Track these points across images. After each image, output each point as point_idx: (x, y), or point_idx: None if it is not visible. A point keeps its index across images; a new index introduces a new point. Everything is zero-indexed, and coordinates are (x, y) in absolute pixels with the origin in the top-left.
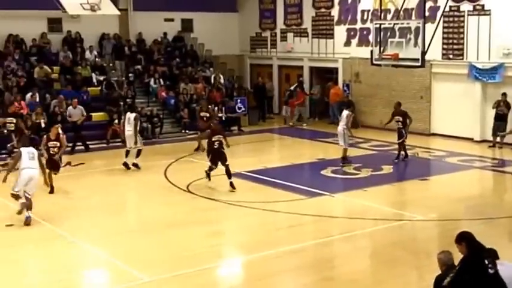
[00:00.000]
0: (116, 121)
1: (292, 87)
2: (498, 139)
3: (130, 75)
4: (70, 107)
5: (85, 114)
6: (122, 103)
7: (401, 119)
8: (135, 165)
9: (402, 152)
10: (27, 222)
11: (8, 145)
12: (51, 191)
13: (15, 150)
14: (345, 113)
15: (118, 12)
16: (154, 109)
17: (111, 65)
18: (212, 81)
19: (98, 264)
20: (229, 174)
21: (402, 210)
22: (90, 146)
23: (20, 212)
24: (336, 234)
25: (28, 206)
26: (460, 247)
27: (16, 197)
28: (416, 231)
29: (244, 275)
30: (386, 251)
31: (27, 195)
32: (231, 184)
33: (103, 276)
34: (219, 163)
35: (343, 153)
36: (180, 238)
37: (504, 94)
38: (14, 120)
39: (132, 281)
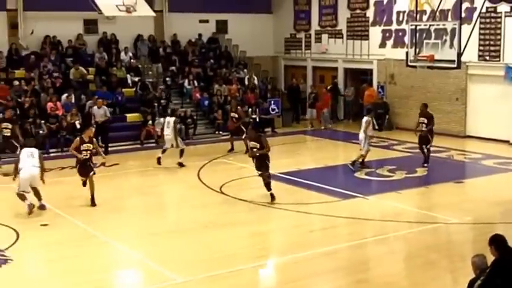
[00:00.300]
0: (150, 122)
1: (328, 87)
2: None
3: (167, 79)
4: (95, 107)
5: (108, 115)
6: (156, 104)
7: (426, 121)
8: (180, 164)
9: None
10: (42, 208)
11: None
12: (93, 203)
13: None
14: (364, 119)
15: (153, 14)
16: (188, 110)
17: (146, 66)
18: (246, 82)
19: (130, 265)
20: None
21: (437, 213)
22: (125, 147)
23: (30, 212)
24: (370, 236)
25: (38, 196)
26: (491, 250)
27: (22, 196)
28: (450, 235)
29: (277, 277)
30: (420, 254)
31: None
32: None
33: (136, 276)
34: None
35: (360, 157)
36: (213, 239)
37: None
38: (10, 126)
39: (165, 281)
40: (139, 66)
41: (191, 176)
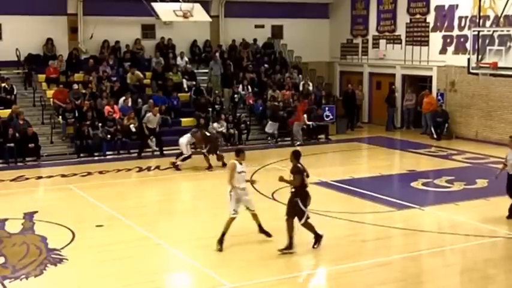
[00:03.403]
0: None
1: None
2: None
3: (235, 95)
4: (150, 114)
5: (160, 123)
6: (210, 109)
7: None
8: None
9: None
10: None
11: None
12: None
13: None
14: None
15: (210, 19)
16: (242, 115)
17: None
18: (300, 88)
19: (181, 268)
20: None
21: (496, 227)
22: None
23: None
24: (425, 248)
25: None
26: None
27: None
28: (510, 250)
29: (328, 286)
30: (477, 268)
31: None
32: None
33: (186, 279)
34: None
35: None
36: (264, 246)
37: None
38: None
39: (214, 286)
40: (195, 71)
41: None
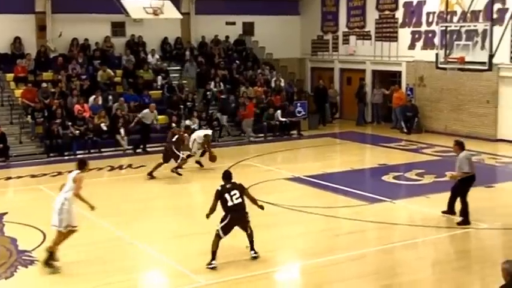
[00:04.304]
0: (174, 124)
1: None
2: None
3: (207, 92)
4: (147, 110)
5: (158, 118)
6: (182, 106)
7: None
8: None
9: None
10: None
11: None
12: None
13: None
14: None
15: (180, 16)
16: (214, 112)
17: (172, 68)
18: (272, 84)
19: (156, 266)
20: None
21: None
22: (151, 149)
23: None
24: (398, 241)
25: None
26: None
27: None
28: (480, 240)
29: (302, 281)
30: (449, 260)
31: None
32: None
33: (161, 278)
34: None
35: None
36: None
37: None
38: None
39: (189, 284)
40: (167, 68)
41: (218, 178)
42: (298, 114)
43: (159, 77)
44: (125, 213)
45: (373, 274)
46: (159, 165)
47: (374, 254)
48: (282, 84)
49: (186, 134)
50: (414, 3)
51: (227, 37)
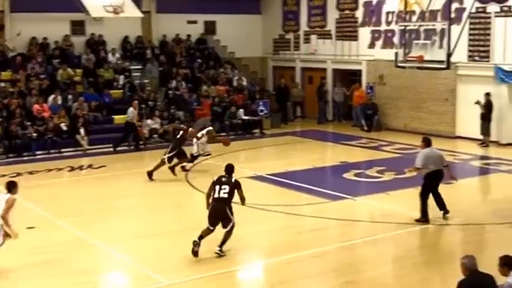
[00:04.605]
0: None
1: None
2: None
3: (169, 91)
4: (131, 108)
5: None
6: (143, 106)
7: None
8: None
9: None
10: None
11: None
12: None
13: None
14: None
15: (141, 15)
16: (176, 111)
17: (133, 67)
18: (234, 83)
19: (117, 267)
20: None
21: None
22: (111, 149)
23: None
24: (359, 238)
25: None
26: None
27: None
28: (440, 236)
29: (265, 279)
30: (409, 256)
31: None
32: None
33: (122, 278)
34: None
35: None
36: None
37: (488, 93)
38: None
39: (151, 284)
40: (128, 67)
41: (179, 177)
42: (261, 113)
43: (120, 76)
44: (86, 213)
45: (334, 271)
46: (162, 164)
47: (335, 251)
48: (244, 83)
49: (191, 129)
50: (374, 3)
51: (189, 36)
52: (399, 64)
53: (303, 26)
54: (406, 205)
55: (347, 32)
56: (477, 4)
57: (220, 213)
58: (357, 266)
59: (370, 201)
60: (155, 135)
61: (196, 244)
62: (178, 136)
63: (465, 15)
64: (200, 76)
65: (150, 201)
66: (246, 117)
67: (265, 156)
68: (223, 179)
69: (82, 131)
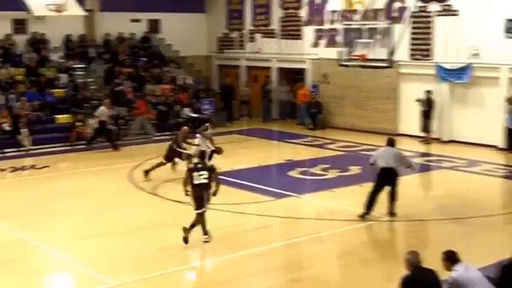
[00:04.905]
0: (79, 123)
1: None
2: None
3: (117, 89)
4: (103, 107)
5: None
6: (86, 105)
7: None
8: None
9: None
10: None
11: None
12: None
13: None
14: None
15: (84, 13)
16: (121, 110)
17: (76, 66)
18: (179, 82)
19: (61, 268)
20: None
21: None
22: (55, 149)
23: None
24: (304, 235)
25: None
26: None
27: None
28: (384, 232)
29: (211, 278)
30: (354, 252)
31: None
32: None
33: (67, 280)
34: None
35: None
36: (146, 241)
37: (428, 91)
38: None
39: (96, 285)
40: (72, 66)
41: (122, 177)
42: (205, 112)
43: (63, 75)
44: (28, 214)
45: (280, 269)
46: (160, 164)
47: (281, 248)
48: (189, 81)
49: (185, 127)
50: (317, 2)
51: (133, 34)
52: (343, 63)
53: (248, 25)
54: (350, 202)
55: (291, 30)
56: (419, 3)
57: (200, 197)
58: (302, 263)
59: (315, 199)
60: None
61: (185, 230)
62: (175, 136)
63: (407, 14)
64: (144, 75)
65: (93, 202)
66: (195, 115)
67: None
68: (199, 165)
69: (25, 130)
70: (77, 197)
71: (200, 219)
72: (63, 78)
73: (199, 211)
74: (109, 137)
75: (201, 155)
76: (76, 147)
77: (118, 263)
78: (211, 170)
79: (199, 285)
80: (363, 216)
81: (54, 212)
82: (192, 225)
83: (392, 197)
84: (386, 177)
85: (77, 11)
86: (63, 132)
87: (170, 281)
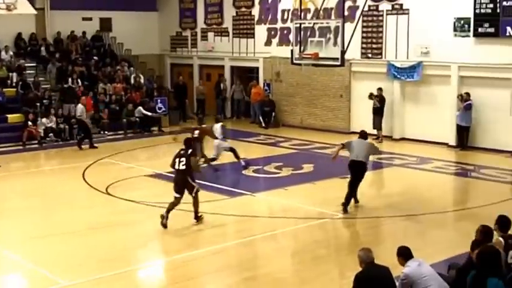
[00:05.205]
0: (30, 123)
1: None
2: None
3: (65, 86)
4: (81, 106)
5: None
6: (38, 104)
7: None
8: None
9: None
10: None
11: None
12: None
13: None
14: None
15: (34, 12)
16: (74, 110)
17: (27, 65)
18: (132, 81)
19: (14, 269)
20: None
21: (323, 209)
22: (6, 149)
23: None
24: (258, 233)
25: None
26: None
27: None
28: (337, 229)
29: (166, 277)
30: (308, 250)
31: None
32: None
33: (20, 281)
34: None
35: None
36: (100, 241)
37: (380, 88)
38: None
39: (51, 285)
40: (23, 65)
41: (76, 177)
42: (159, 111)
43: (13, 74)
44: None
45: (235, 267)
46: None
47: (235, 247)
48: (142, 80)
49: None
50: (269, 1)
51: (84, 33)
52: (295, 61)
53: (200, 23)
54: (304, 200)
55: (244, 29)
56: (369, 2)
57: (181, 183)
58: (256, 262)
59: (269, 197)
60: (51, 134)
61: (163, 217)
62: (195, 135)
63: (358, 13)
64: (97, 74)
65: (47, 202)
66: (149, 113)
67: (164, 154)
68: (181, 152)
69: None
70: (29, 196)
71: (177, 203)
72: (14, 77)
73: (177, 195)
74: (89, 136)
75: (185, 142)
76: (28, 146)
77: (72, 262)
78: (189, 156)
79: (154, 284)
80: (345, 208)
81: (5, 212)
82: (168, 210)
83: (355, 190)
84: (356, 170)
85: (27, 9)
86: (14, 132)
87: (125, 281)
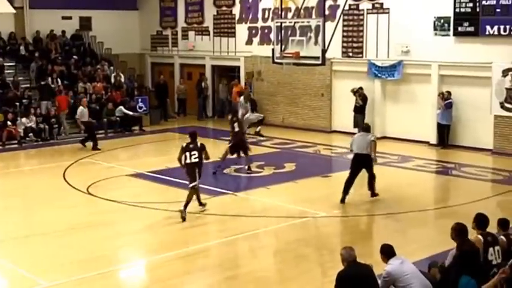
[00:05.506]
0: (9, 122)
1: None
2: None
3: (43, 83)
4: (81, 107)
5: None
6: (17, 103)
7: None
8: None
9: None
10: None
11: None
12: None
13: None
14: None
15: (13, 10)
16: (52, 109)
17: (6, 64)
18: (112, 80)
19: None
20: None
21: (305, 207)
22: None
23: None
24: (240, 233)
25: None
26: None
27: None
28: (319, 228)
29: (147, 277)
30: (290, 248)
31: None
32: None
33: (0, 282)
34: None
35: None
36: (81, 241)
37: (361, 88)
38: None
39: (31, 286)
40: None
41: (56, 177)
42: (140, 110)
43: None
44: None
45: (217, 266)
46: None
47: (217, 246)
48: (122, 79)
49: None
50: (250, 0)
51: (64, 32)
52: (276, 60)
53: (181, 22)
54: (286, 198)
55: (224, 28)
56: (350, 1)
57: (193, 174)
58: (238, 261)
59: (251, 196)
60: (30, 134)
61: (182, 211)
62: (238, 127)
63: (339, 12)
64: (77, 73)
65: (27, 202)
66: (131, 113)
67: (145, 153)
68: (191, 146)
69: None
70: (9, 196)
71: (194, 193)
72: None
73: (193, 184)
74: (94, 138)
75: (191, 135)
76: (7, 146)
77: (53, 263)
78: (202, 149)
79: (136, 284)
80: (343, 201)
81: None
82: (186, 204)
83: (370, 178)
84: (360, 163)
85: (6, 8)
86: None
87: (106, 281)
